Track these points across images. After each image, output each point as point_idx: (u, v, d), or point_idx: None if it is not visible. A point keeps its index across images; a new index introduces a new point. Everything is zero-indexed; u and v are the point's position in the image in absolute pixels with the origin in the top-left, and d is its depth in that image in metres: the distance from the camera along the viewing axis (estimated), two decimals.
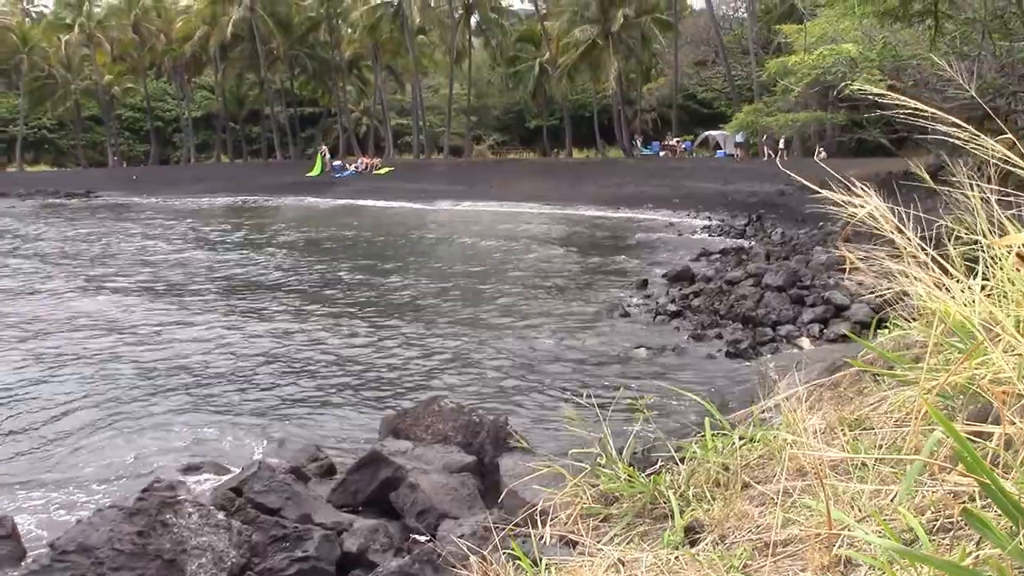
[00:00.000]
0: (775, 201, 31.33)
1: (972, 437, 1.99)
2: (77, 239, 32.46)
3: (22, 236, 33.80)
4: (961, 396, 2.39)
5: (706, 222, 32.52)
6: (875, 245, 2.86)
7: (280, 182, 58.33)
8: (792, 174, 3.88)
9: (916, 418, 2.20)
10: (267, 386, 11.71)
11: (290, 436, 9.54)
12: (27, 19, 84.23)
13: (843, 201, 2.66)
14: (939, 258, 2.70)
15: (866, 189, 2.68)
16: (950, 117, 2.51)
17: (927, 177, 3.20)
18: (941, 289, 2.51)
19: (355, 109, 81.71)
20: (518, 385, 11.49)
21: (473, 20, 68.42)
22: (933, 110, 2.52)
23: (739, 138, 51.82)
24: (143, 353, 13.66)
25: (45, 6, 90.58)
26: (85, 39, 72.63)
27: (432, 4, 67.80)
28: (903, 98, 2.57)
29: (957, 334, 2.56)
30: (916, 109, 2.51)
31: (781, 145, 49.86)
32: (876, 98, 2.90)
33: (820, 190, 2.85)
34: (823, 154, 45.65)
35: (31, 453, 9.18)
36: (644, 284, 18.66)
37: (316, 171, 62.55)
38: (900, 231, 2.67)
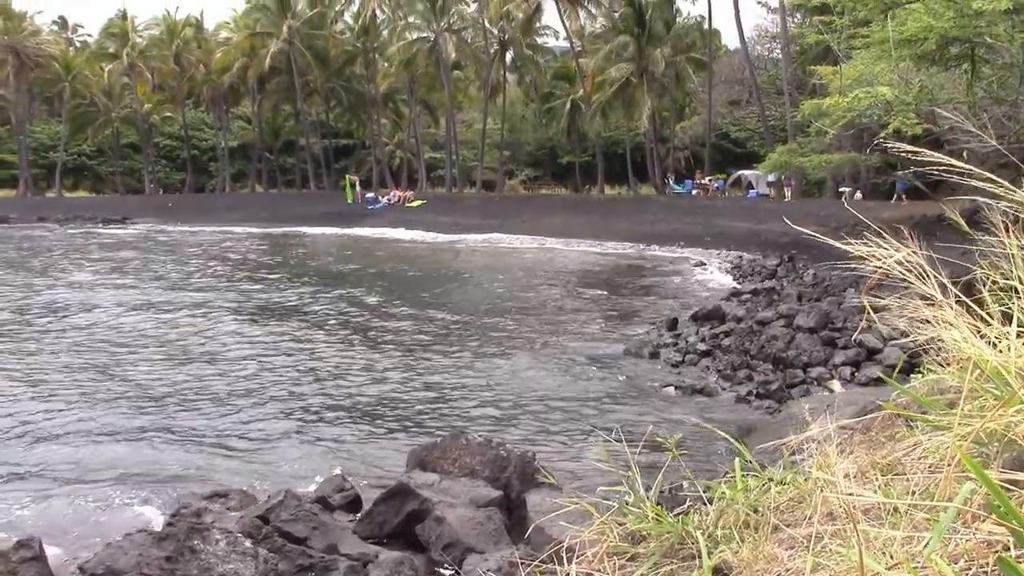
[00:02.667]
0: (808, 242, 31.10)
1: (1007, 485, 1.97)
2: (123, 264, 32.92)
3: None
4: (996, 443, 2.37)
5: (737, 261, 32.40)
6: (908, 290, 2.85)
7: (313, 212, 58.90)
8: (799, 227, 3.87)
9: (950, 465, 2.18)
10: (294, 414, 11.76)
11: (317, 465, 9.58)
12: (70, 48, 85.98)
13: (869, 252, 2.66)
14: (973, 305, 2.69)
15: (899, 232, 2.68)
16: (983, 172, 2.51)
17: (961, 222, 3.19)
18: (976, 335, 2.50)
19: (389, 142, 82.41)
20: (545, 420, 11.47)
21: (508, 56, 69.01)
22: (965, 166, 2.52)
23: (772, 178, 51.60)
24: (174, 377, 13.78)
25: (88, 35, 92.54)
26: (127, 68, 73.93)
27: (468, 40, 68.47)
28: (937, 155, 2.57)
29: (993, 381, 2.54)
30: (949, 166, 2.51)
31: (842, 187, 48.43)
32: (909, 155, 2.91)
33: (833, 241, 2.85)
34: (859, 195, 45.35)
35: (60, 476, 9.26)
36: (674, 323, 18.54)
37: (349, 197, 63.86)
38: (929, 278, 2.66)
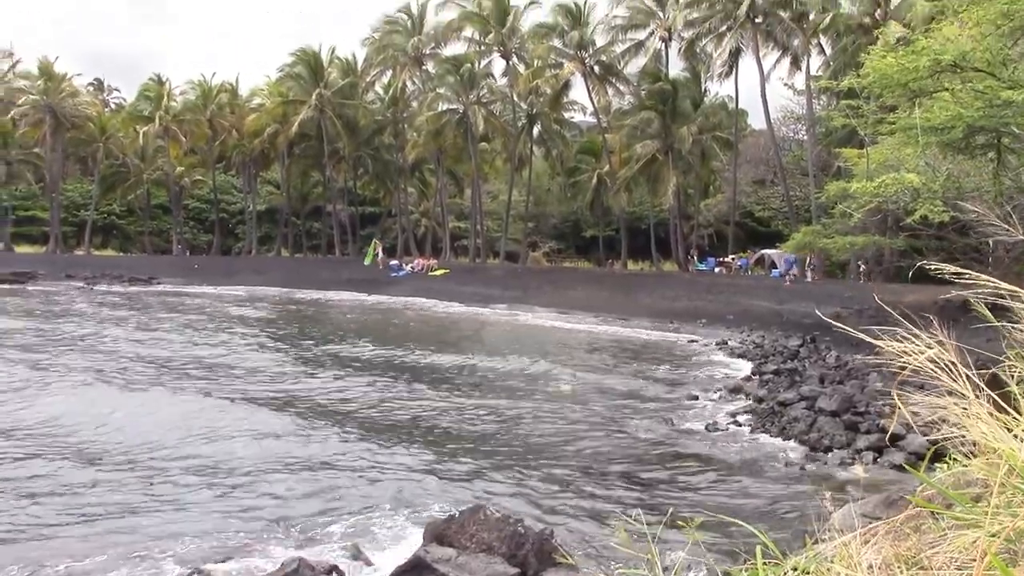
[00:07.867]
0: (830, 323, 30.94)
1: None
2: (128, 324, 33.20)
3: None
4: None
5: (759, 340, 32.21)
6: (936, 385, 2.84)
7: (337, 278, 59.38)
8: (823, 308, 3.90)
9: (979, 562, 2.16)
10: (310, 482, 11.70)
11: (331, 534, 9.51)
12: (105, 109, 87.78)
13: (900, 348, 2.68)
14: (999, 400, 2.68)
15: (924, 318, 2.69)
16: (1001, 283, 2.55)
17: (987, 313, 3.19)
18: (1004, 430, 2.49)
19: (415, 210, 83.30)
20: (565, 496, 11.36)
21: (535, 130, 69.92)
22: (983, 277, 2.57)
23: (794, 258, 51.83)
24: (186, 441, 13.79)
25: (123, 98, 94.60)
26: (162, 131, 75.30)
27: (496, 113, 69.45)
28: (963, 270, 2.63)
29: (1021, 476, 2.52)
30: (970, 278, 2.57)
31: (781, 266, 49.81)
32: (939, 271, 2.98)
33: (860, 335, 2.87)
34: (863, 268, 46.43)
35: (66, 536, 9.24)
36: (695, 399, 18.47)
37: (368, 259, 65.05)
38: (958, 372, 2.66)
